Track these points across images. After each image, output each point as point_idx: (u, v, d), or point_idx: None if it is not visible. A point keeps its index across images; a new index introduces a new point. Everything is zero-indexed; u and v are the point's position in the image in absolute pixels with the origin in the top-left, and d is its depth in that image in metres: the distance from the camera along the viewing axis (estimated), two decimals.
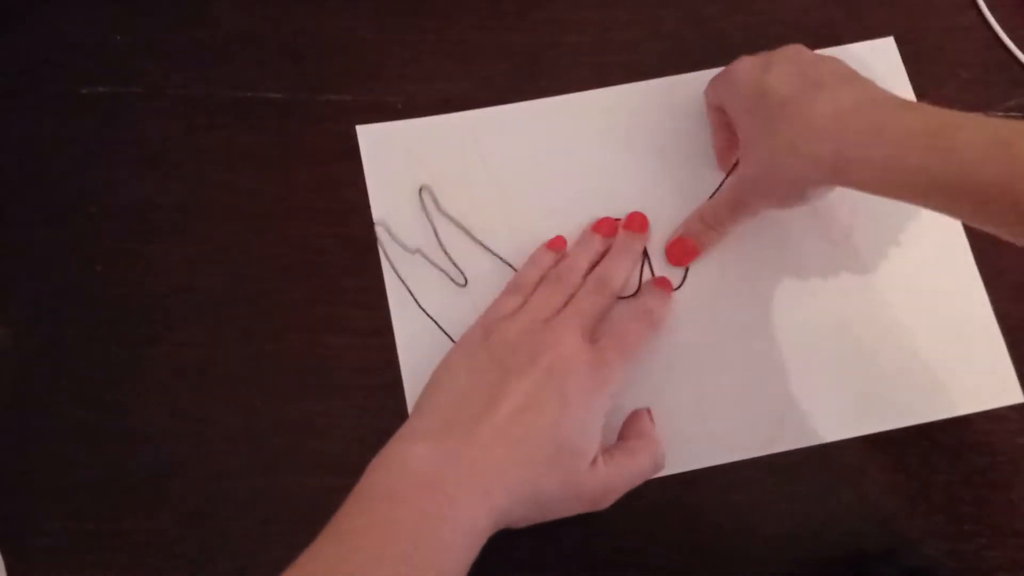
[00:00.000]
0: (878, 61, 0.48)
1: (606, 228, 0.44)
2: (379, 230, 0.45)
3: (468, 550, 0.33)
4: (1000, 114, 0.47)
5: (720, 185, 0.45)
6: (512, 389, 0.36)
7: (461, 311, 0.43)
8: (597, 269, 0.43)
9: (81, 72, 0.48)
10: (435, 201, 0.45)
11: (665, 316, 0.42)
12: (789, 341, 0.43)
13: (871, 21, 0.49)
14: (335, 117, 0.47)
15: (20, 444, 0.42)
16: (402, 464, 0.34)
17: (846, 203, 0.45)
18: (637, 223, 0.44)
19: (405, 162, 0.46)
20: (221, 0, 0.49)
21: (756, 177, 0.40)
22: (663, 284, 0.43)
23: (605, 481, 0.37)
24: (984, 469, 0.42)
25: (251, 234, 0.45)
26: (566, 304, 0.41)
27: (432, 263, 0.44)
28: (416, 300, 0.44)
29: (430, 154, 0.46)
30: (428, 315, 0.44)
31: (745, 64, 0.40)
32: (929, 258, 0.45)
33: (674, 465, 0.42)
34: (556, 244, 0.44)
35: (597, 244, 0.44)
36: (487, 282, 0.44)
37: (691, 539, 0.41)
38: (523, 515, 0.36)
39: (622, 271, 0.43)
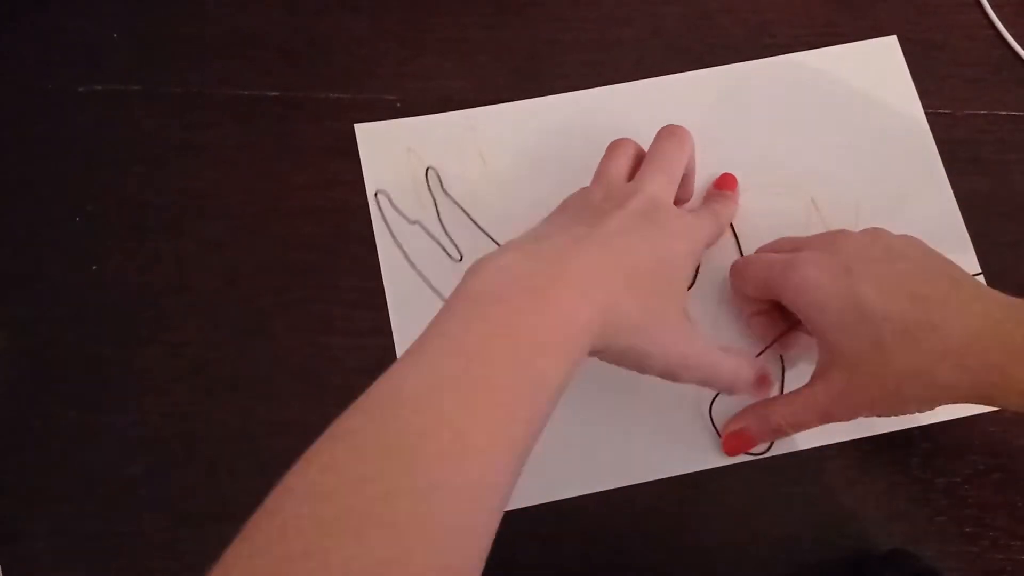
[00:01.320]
0: (880, 60, 0.48)
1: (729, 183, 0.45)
2: (380, 198, 0.45)
3: (571, 352, 0.31)
4: (1003, 113, 0.47)
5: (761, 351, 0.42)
6: (609, 217, 0.35)
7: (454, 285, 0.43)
8: (669, 129, 0.42)
9: (79, 70, 0.47)
10: (440, 183, 0.45)
11: (730, 217, 0.44)
12: (794, 346, 0.43)
13: (873, 20, 0.48)
14: (333, 115, 0.47)
15: (17, 444, 0.42)
16: (497, 268, 0.32)
17: (849, 203, 0.45)
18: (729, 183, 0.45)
19: (404, 160, 0.46)
20: None
21: (863, 398, 0.36)
22: (727, 183, 0.44)
23: (692, 353, 0.36)
24: (986, 471, 0.42)
25: (249, 233, 0.45)
26: (636, 162, 0.41)
27: (430, 235, 0.44)
28: (410, 263, 0.44)
29: (429, 152, 0.46)
30: (423, 276, 0.44)
31: (817, 274, 0.36)
32: None
33: (674, 467, 0.41)
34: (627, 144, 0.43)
35: (688, 144, 0.42)
36: None
37: (691, 541, 0.41)
38: (623, 331, 0.33)
39: (690, 137, 0.42)
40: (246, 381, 0.43)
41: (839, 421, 0.38)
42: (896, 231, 0.44)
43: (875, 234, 0.38)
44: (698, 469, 0.42)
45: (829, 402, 0.37)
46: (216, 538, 0.41)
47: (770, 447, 0.42)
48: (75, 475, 0.42)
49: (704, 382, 0.37)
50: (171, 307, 0.44)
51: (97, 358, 0.43)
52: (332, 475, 0.27)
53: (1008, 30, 0.48)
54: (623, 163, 0.41)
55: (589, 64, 0.48)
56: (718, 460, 0.42)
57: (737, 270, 0.41)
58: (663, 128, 0.41)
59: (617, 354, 0.34)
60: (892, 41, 0.48)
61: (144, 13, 0.49)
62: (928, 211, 0.45)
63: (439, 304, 0.42)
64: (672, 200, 0.39)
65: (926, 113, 0.47)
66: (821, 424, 0.38)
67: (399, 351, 0.43)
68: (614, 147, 0.42)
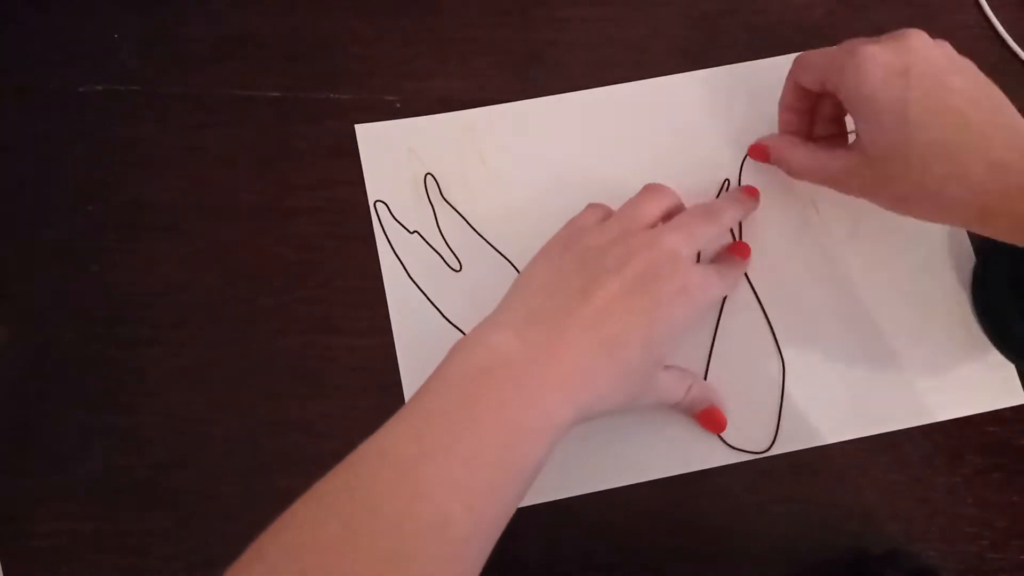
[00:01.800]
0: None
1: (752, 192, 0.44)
2: (379, 207, 0.45)
3: (549, 441, 0.32)
4: None
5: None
6: (603, 286, 0.35)
7: (454, 295, 0.44)
8: (710, 203, 0.41)
9: (79, 71, 0.47)
10: (439, 190, 0.45)
11: (738, 280, 0.43)
12: (789, 342, 0.43)
13: (873, 19, 0.48)
14: (333, 116, 0.47)
15: (17, 444, 0.42)
16: (487, 349, 0.33)
17: (848, 202, 0.45)
18: (753, 192, 0.44)
19: (404, 161, 0.46)
20: None
21: (870, 185, 0.38)
22: (740, 251, 0.43)
23: (660, 389, 0.38)
24: (986, 471, 0.42)
25: (249, 233, 0.45)
26: (664, 218, 0.40)
27: (429, 246, 0.44)
28: (409, 276, 0.44)
29: (429, 153, 0.46)
30: (421, 290, 0.44)
31: (874, 68, 0.36)
32: (931, 258, 0.44)
33: (674, 467, 0.42)
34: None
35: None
36: (481, 269, 0.44)
37: (691, 540, 0.41)
38: (600, 413, 0.35)
39: (740, 213, 0.42)
40: (246, 381, 0.43)
41: (841, 192, 0.40)
42: (896, 230, 0.45)
43: (942, 45, 0.37)
44: (698, 469, 0.42)
45: (841, 172, 0.39)
46: (217, 538, 0.41)
47: (771, 446, 0.42)
48: (75, 475, 0.42)
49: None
50: (173, 307, 0.44)
51: (97, 358, 0.43)
52: (313, 533, 0.29)
53: (1006, 30, 0.48)
54: (651, 209, 0.40)
55: (589, 64, 0.48)
56: (718, 460, 0.42)
57: (802, 58, 0.41)
58: (706, 205, 0.41)
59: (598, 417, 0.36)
60: None
61: (144, 13, 0.49)
62: None
63: (444, 337, 0.43)
64: (683, 257, 0.37)
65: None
66: (820, 182, 0.40)
67: (399, 351, 0.43)
68: (649, 191, 0.41)
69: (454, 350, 0.34)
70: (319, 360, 0.43)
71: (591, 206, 0.41)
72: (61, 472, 0.42)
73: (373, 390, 0.43)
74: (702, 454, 0.42)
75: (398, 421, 0.32)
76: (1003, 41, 0.48)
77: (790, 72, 0.41)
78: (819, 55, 0.40)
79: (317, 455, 0.42)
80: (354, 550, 0.28)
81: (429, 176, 0.45)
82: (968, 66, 0.37)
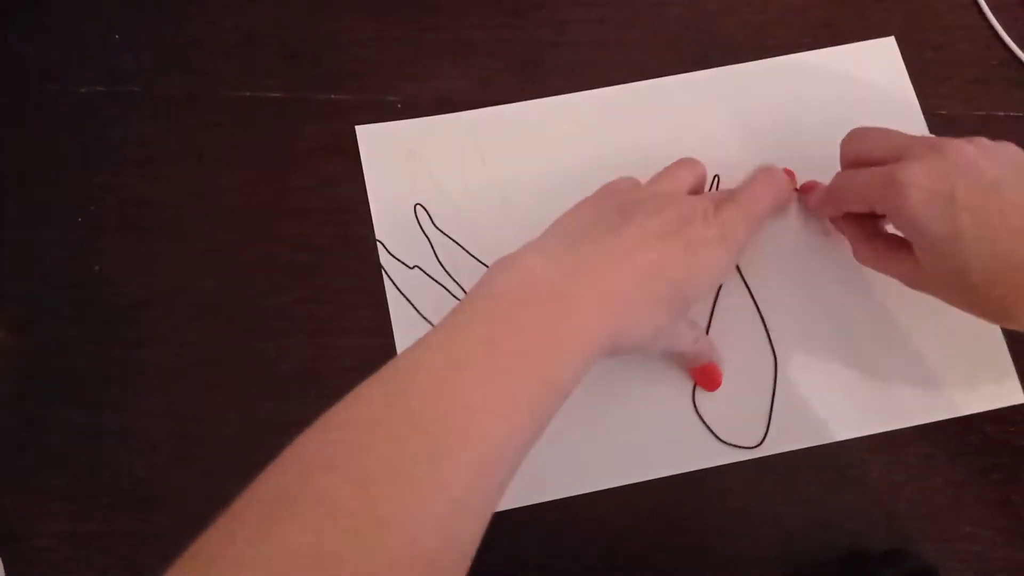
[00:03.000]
0: (879, 61, 0.48)
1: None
2: (380, 248, 0.45)
3: (584, 362, 0.32)
4: (1002, 114, 0.47)
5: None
6: (641, 223, 0.35)
7: None
8: (744, 188, 0.41)
9: (80, 71, 0.47)
10: (430, 218, 0.45)
11: (787, 194, 0.42)
12: (788, 342, 0.43)
13: (872, 20, 0.49)
14: (334, 116, 0.47)
15: (18, 444, 0.42)
16: (525, 270, 0.33)
17: None
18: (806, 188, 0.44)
19: (404, 162, 0.46)
20: None
21: (947, 297, 0.37)
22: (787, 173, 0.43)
23: (678, 335, 0.39)
24: (985, 470, 0.42)
25: (250, 234, 0.45)
26: (696, 187, 0.40)
27: (431, 278, 0.44)
28: (419, 312, 0.44)
29: (429, 154, 0.46)
30: (430, 322, 0.44)
31: (922, 196, 0.34)
32: None
33: (674, 466, 0.42)
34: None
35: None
36: None
37: (691, 540, 0.41)
38: (629, 343, 0.35)
39: (769, 196, 0.41)
40: (246, 381, 0.43)
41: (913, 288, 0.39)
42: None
43: (982, 149, 0.35)
44: (697, 469, 0.42)
45: (905, 277, 0.38)
46: None
47: (762, 441, 0.42)
48: (75, 475, 0.42)
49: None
50: (173, 307, 0.44)
51: (97, 358, 0.43)
52: (345, 433, 0.29)
53: (1006, 31, 0.48)
54: (684, 176, 0.40)
55: (589, 65, 0.48)
56: (717, 460, 0.42)
57: (838, 187, 0.40)
58: (765, 170, 0.41)
59: (620, 354, 0.36)
60: (891, 42, 0.48)
61: (144, 13, 0.49)
62: None
63: (438, 302, 0.43)
64: (743, 236, 0.38)
65: (924, 114, 0.47)
66: (887, 275, 0.39)
67: (399, 351, 0.43)
68: (682, 160, 0.42)
69: (490, 270, 0.34)
70: (319, 360, 0.43)
71: (622, 178, 0.42)
72: (61, 472, 0.42)
73: None
74: (701, 454, 0.42)
75: (429, 337, 0.32)
76: (1003, 42, 0.48)
77: (831, 193, 0.40)
78: (857, 182, 0.38)
79: None
80: (385, 447, 0.28)
81: (419, 206, 0.45)
82: (1019, 170, 0.34)
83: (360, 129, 0.46)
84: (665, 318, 0.36)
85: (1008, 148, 0.35)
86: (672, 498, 0.41)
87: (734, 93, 0.47)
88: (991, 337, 0.43)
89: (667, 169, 0.41)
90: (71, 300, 0.44)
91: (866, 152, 0.38)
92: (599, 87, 0.47)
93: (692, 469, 0.42)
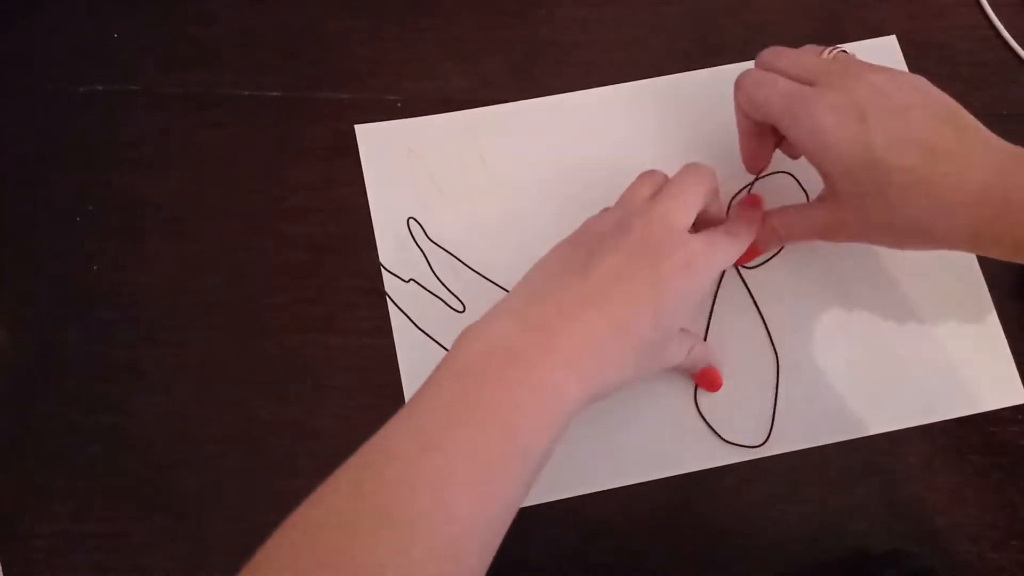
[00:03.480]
0: (880, 59, 0.47)
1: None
2: (379, 248, 0.45)
3: (558, 423, 0.32)
4: (1004, 113, 0.47)
5: (748, 186, 0.44)
6: (602, 261, 0.34)
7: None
8: (695, 164, 0.40)
9: (79, 70, 0.47)
10: (423, 229, 0.45)
11: (750, 237, 0.40)
12: (789, 342, 0.43)
13: (873, 19, 0.48)
14: (334, 115, 0.47)
15: (17, 444, 0.42)
16: (487, 335, 0.33)
17: None
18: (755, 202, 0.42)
19: (404, 161, 0.46)
20: None
21: (859, 234, 0.38)
22: (753, 203, 0.41)
23: (665, 356, 0.38)
24: (986, 470, 0.42)
25: (250, 233, 0.45)
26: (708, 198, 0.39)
27: (428, 291, 0.44)
28: (420, 328, 0.44)
29: (429, 153, 0.46)
30: (433, 340, 0.43)
31: (831, 119, 0.35)
32: (932, 259, 0.44)
33: (674, 466, 0.42)
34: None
35: (708, 177, 0.40)
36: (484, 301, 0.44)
37: (691, 540, 0.41)
38: (614, 388, 0.34)
39: (714, 174, 0.39)
40: (246, 381, 0.43)
41: (830, 241, 0.39)
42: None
43: (890, 75, 0.36)
44: (698, 469, 0.42)
45: (825, 227, 0.38)
46: (216, 538, 0.41)
47: (766, 441, 0.42)
48: (75, 475, 0.42)
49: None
50: (173, 307, 0.44)
51: (97, 358, 0.43)
52: (316, 534, 0.29)
53: (1008, 30, 0.48)
54: (644, 190, 0.39)
55: (589, 64, 0.48)
56: (718, 460, 0.42)
57: (745, 91, 0.38)
58: (685, 165, 0.40)
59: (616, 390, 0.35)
60: (892, 41, 0.48)
61: (144, 13, 0.49)
62: None
63: (438, 302, 0.43)
64: (687, 225, 0.37)
65: None
66: (812, 239, 0.39)
67: (399, 351, 0.43)
68: (642, 176, 0.41)
69: (456, 341, 0.34)
70: (319, 360, 0.43)
71: (604, 211, 0.41)
72: (61, 472, 0.42)
73: (373, 390, 0.43)
74: (701, 454, 0.42)
75: (401, 417, 0.32)
76: (1004, 41, 0.48)
77: (736, 102, 0.40)
78: (764, 96, 0.37)
79: (317, 455, 0.42)
80: (354, 546, 0.28)
81: (412, 220, 0.45)
82: (924, 91, 0.36)
83: (360, 128, 0.46)
84: (648, 358, 0.35)
85: (915, 78, 0.36)
86: (672, 498, 0.41)
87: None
88: (992, 337, 0.43)
89: (629, 188, 0.40)
90: (71, 300, 0.44)
91: (781, 70, 0.38)
92: (599, 87, 0.47)
93: (693, 470, 0.41)
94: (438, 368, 0.33)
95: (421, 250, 0.45)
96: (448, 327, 0.43)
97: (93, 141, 0.47)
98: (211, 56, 0.48)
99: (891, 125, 0.34)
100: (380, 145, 0.46)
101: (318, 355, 0.43)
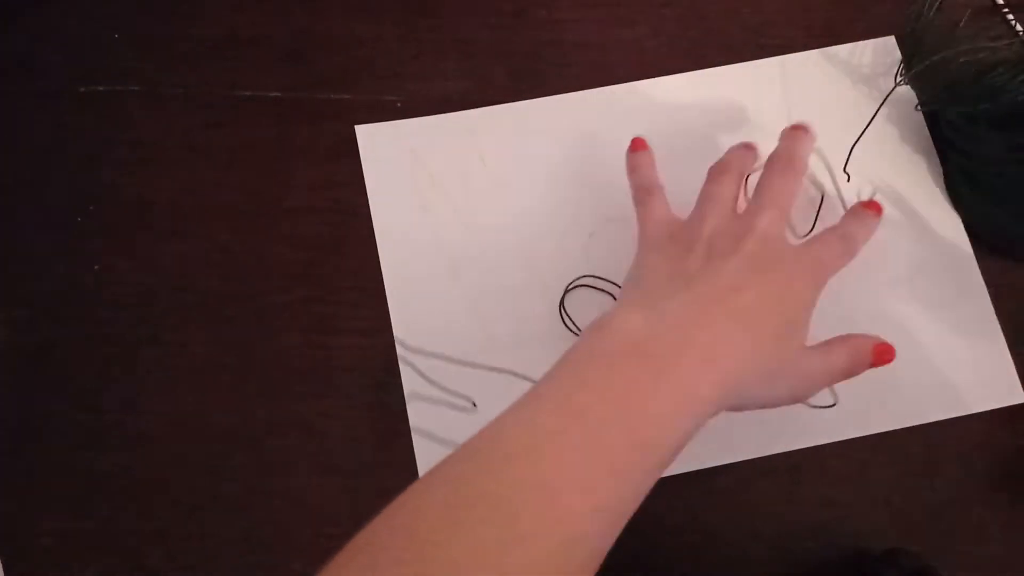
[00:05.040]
0: (879, 60, 0.48)
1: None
2: (380, 248, 0.44)
3: (686, 419, 0.31)
4: None
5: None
6: (725, 264, 0.34)
7: (456, 304, 0.43)
8: (777, 150, 0.39)
9: (79, 70, 0.47)
10: (439, 184, 0.45)
11: (864, 240, 0.40)
12: None
13: (872, 19, 0.48)
14: (334, 116, 0.47)
15: (17, 444, 0.42)
16: (612, 330, 0.32)
17: (849, 202, 0.45)
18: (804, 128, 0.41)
19: (404, 162, 0.46)
20: None
21: None
22: (872, 207, 0.40)
23: (816, 367, 0.35)
24: (986, 470, 0.42)
25: (250, 233, 0.45)
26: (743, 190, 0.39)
27: (428, 291, 0.44)
28: (420, 328, 0.44)
29: (429, 153, 0.46)
30: (427, 251, 0.44)
31: None
32: (931, 258, 0.44)
33: (675, 466, 0.41)
34: (640, 145, 0.42)
35: (749, 150, 0.41)
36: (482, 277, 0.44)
37: (691, 540, 0.41)
38: (748, 390, 0.33)
39: (806, 147, 0.39)
40: (247, 381, 0.43)
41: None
42: (898, 227, 0.45)
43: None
44: (698, 468, 0.42)
45: None
46: (216, 538, 0.41)
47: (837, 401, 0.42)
48: (75, 475, 0.42)
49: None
50: (173, 307, 0.44)
51: (97, 358, 0.43)
52: (427, 519, 0.27)
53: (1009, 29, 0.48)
54: (730, 188, 0.39)
55: (589, 64, 0.48)
56: (718, 460, 0.42)
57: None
58: (776, 159, 0.39)
59: (743, 408, 0.35)
60: (891, 41, 0.48)
61: (144, 13, 0.49)
62: (929, 209, 0.45)
63: (438, 302, 0.43)
64: (784, 234, 0.37)
65: (924, 112, 0.47)
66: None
67: (399, 350, 0.43)
68: (719, 170, 0.40)
69: (584, 332, 0.33)
70: (319, 360, 0.43)
71: (641, 195, 0.41)
72: (61, 472, 0.42)
73: (373, 390, 0.43)
74: (702, 454, 0.42)
75: (519, 405, 0.31)
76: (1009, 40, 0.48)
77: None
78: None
79: (317, 455, 0.42)
80: (453, 537, 0.27)
81: (430, 174, 0.45)
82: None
83: (360, 129, 0.46)
84: (775, 360, 0.34)
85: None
86: (672, 498, 0.41)
87: (734, 92, 0.47)
88: (992, 337, 0.43)
89: (709, 187, 0.39)
90: (71, 300, 0.44)
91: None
92: (599, 87, 0.47)
93: (693, 469, 0.41)
94: (562, 361, 0.32)
95: (421, 249, 0.45)
96: (449, 327, 0.43)
97: (93, 141, 0.47)
98: (211, 56, 0.48)
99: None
100: (380, 145, 0.46)
101: (318, 355, 0.43)
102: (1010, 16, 0.49)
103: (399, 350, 0.43)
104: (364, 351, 0.43)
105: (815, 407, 0.42)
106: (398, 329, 0.43)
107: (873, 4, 0.49)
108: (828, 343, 0.36)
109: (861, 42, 0.48)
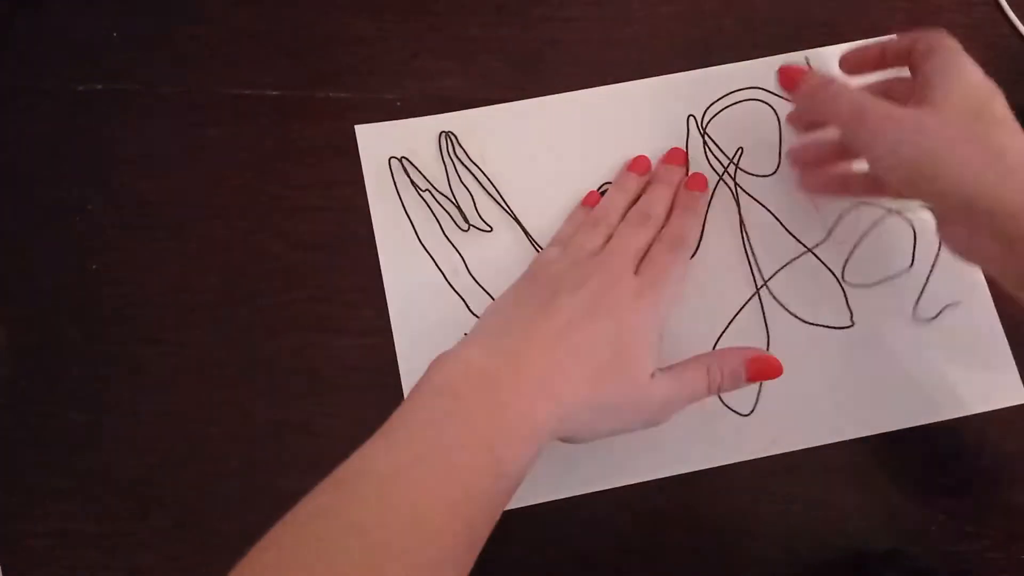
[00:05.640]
0: None
1: (641, 166, 0.44)
2: (379, 247, 0.45)
3: (528, 445, 0.33)
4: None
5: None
6: (563, 304, 0.36)
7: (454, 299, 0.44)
8: (637, 204, 0.43)
9: (78, 69, 0.47)
10: (454, 148, 0.45)
11: (693, 236, 0.43)
12: (791, 342, 0.43)
13: (873, 19, 0.48)
14: (334, 115, 0.47)
15: (16, 444, 0.42)
16: (460, 363, 0.34)
17: (849, 202, 0.45)
18: (677, 157, 0.44)
19: (404, 162, 0.46)
20: None
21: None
22: (695, 184, 0.43)
23: (664, 393, 0.36)
24: (986, 470, 0.42)
25: (249, 233, 0.45)
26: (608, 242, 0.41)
27: (428, 291, 0.44)
28: (420, 328, 0.44)
29: (429, 153, 0.46)
30: (427, 251, 0.44)
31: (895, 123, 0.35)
32: (930, 258, 0.44)
33: (675, 466, 0.42)
34: (591, 200, 0.44)
35: (632, 183, 0.44)
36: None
37: (691, 540, 0.41)
38: (586, 422, 0.35)
39: (662, 201, 0.42)
40: (246, 381, 0.43)
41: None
42: (899, 229, 0.44)
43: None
44: (698, 469, 0.42)
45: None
46: (216, 538, 0.41)
47: (753, 410, 0.42)
48: (75, 475, 0.42)
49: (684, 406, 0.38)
50: (172, 307, 0.44)
51: (97, 358, 0.43)
52: (299, 556, 0.29)
53: (1012, 28, 0.48)
54: (594, 241, 0.41)
55: (589, 64, 0.48)
56: (718, 460, 0.42)
57: (822, 88, 0.39)
58: (663, 238, 0.41)
59: (588, 438, 0.36)
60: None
61: (144, 13, 0.49)
62: (929, 212, 0.45)
63: (438, 302, 0.43)
64: (630, 270, 0.38)
65: None
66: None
67: (399, 350, 0.43)
68: (592, 221, 0.42)
69: (430, 367, 0.35)
70: (319, 360, 0.43)
71: (552, 240, 0.44)
72: (61, 472, 0.42)
73: (373, 390, 0.43)
74: (703, 455, 0.42)
75: (376, 439, 0.32)
76: (1005, 39, 0.48)
77: (812, 91, 0.39)
78: (840, 98, 0.37)
79: (317, 455, 0.42)
80: (327, 565, 0.28)
81: (412, 220, 0.45)
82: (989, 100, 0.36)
83: (360, 129, 0.46)
84: (617, 384, 0.35)
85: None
86: (673, 498, 0.41)
87: (734, 92, 0.47)
88: (994, 337, 0.43)
89: (579, 237, 0.41)
90: (71, 300, 0.44)
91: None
92: (599, 86, 0.47)
93: (693, 469, 0.41)
94: (413, 390, 0.34)
95: (420, 250, 0.45)
96: (448, 328, 0.43)
97: (93, 141, 0.46)
98: (211, 56, 0.48)
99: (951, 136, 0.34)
100: (380, 145, 0.46)
101: (318, 355, 0.43)
102: (1011, 16, 0.49)
103: (399, 350, 0.43)
104: (364, 351, 0.43)
105: (738, 413, 0.42)
106: (398, 329, 0.43)
107: (873, 4, 0.49)
108: (679, 367, 0.37)
109: (861, 42, 0.48)
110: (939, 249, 0.43)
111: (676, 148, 0.45)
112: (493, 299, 0.43)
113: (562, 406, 0.34)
